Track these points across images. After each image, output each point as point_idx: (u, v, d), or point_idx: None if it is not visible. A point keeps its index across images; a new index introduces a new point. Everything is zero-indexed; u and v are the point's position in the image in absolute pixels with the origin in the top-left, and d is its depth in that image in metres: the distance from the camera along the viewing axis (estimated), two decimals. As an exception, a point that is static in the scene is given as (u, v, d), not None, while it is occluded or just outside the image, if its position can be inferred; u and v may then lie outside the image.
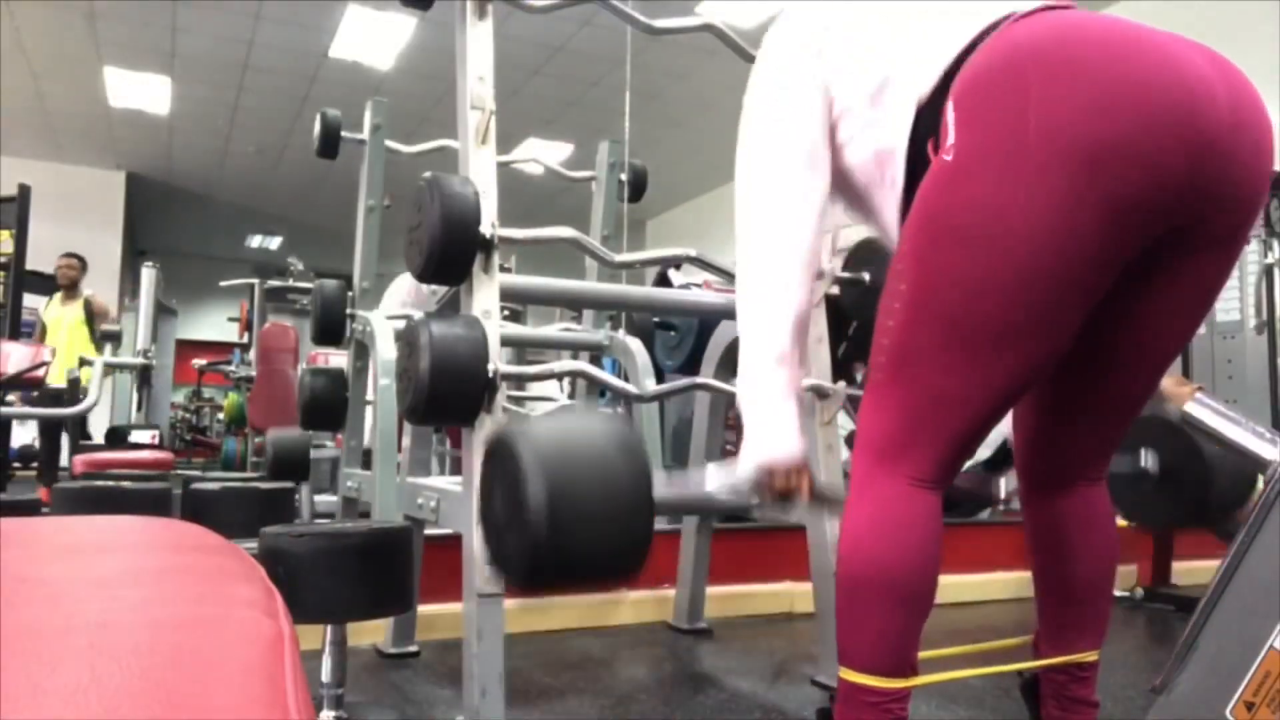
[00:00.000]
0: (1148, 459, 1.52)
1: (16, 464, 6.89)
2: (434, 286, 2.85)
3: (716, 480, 1.29)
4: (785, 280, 1.14)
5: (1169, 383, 3.43)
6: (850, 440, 4.54)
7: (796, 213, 1.14)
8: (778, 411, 1.15)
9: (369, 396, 2.65)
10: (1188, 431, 1.48)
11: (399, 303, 3.89)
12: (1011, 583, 3.04)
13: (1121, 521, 3.16)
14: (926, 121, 1.06)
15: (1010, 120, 0.95)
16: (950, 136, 0.99)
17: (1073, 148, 0.92)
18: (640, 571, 1.27)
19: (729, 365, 2.22)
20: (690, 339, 3.67)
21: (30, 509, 2.11)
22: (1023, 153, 0.94)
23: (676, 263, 1.90)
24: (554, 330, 3.24)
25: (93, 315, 4.82)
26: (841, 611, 1.12)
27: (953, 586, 2.92)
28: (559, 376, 3.43)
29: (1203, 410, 1.24)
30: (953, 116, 0.99)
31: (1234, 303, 4.64)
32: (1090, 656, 1.22)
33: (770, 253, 1.15)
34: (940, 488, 1.10)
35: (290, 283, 7.17)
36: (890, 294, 1.09)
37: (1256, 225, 4.17)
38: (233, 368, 7.84)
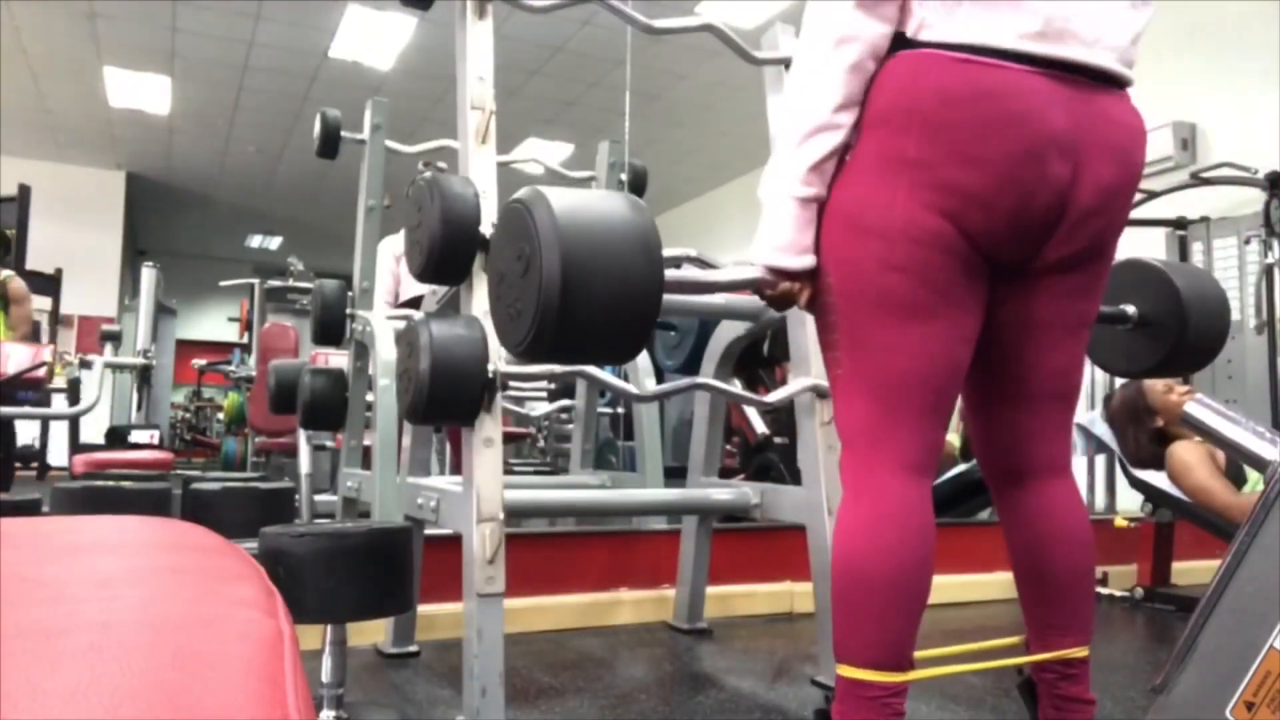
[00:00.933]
0: (1127, 306, 1.54)
1: (17, 464, 6.89)
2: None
3: (727, 273, 1.31)
4: (828, 106, 1.15)
5: (1158, 391, 3.42)
6: None
7: (849, 47, 1.15)
8: (795, 219, 1.17)
9: (369, 396, 2.65)
10: (1167, 275, 1.50)
11: (394, 258, 3.81)
12: (1011, 583, 3.03)
13: (1122, 522, 3.18)
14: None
15: (898, 149, 1.11)
16: (855, 136, 1.15)
17: (934, 184, 1.09)
18: (638, 353, 1.31)
19: (729, 365, 2.22)
20: (690, 339, 3.67)
21: (30, 509, 2.11)
22: (896, 172, 1.11)
23: (676, 263, 1.89)
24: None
25: (7, 299, 4.70)
26: (838, 607, 1.15)
27: (953, 586, 2.92)
28: (559, 376, 3.43)
29: (1202, 411, 1.24)
30: (865, 118, 1.14)
31: (1234, 303, 4.64)
32: (1078, 653, 1.22)
33: (819, 82, 1.16)
34: (928, 473, 1.15)
35: (290, 283, 7.17)
36: (822, 288, 1.18)
37: (1257, 226, 4.16)
38: (233, 368, 7.84)
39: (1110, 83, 1.15)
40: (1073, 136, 1.11)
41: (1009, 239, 1.13)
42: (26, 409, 5.36)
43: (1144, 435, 3.04)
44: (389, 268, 3.75)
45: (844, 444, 1.19)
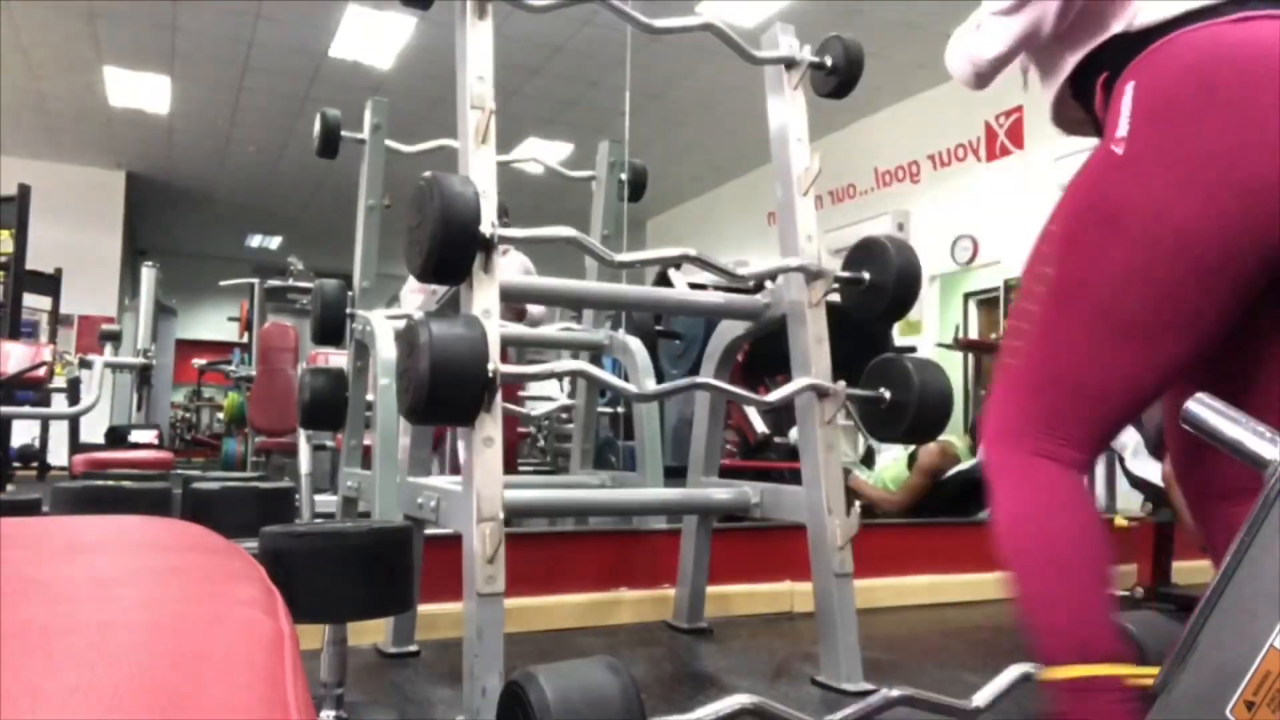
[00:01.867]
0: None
1: (17, 464, 6.89)
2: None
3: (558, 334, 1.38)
4: None
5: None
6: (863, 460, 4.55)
7: None
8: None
9: (369, 396, 2.65)
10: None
11: (414, 297, 3.87)
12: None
13: (1122, 521, 3.18)
14: (1109, 57, 1.08)
15: (1192, 133, 0.98)
16: (1122, 127, 1.02)
17: (1245, 179, 0.96)
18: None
19: (729, 365, 2.22)
20: (695, 348, 3.67)
21: (30, 509, 2.11)
22: (1197, 167, 0.98)
23: (676, 263, 1.90)
24: (554, 330, 3.24)
25: None
26: (1027, 608, 1.08)
27: (952, 586, 2.92)
28: (559, 376, 3.43)
29: (1203, 410, 1.24)
30: (1129, 107, 1.02)
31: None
32: None
33: None
34: (1084, 470, 1.10)
35: (290, 283, 7.17)
36: (1034, 277, 1.10)
37: None
38: (233, 368, 7.84)
39: None
40: None
41: None
42: (26, 409, 5.36)
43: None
44: (414, 294, 3.83)
45: (996, 431, 1.12)
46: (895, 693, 1.35)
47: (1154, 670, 1.08)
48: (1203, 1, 1.01)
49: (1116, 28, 1.09)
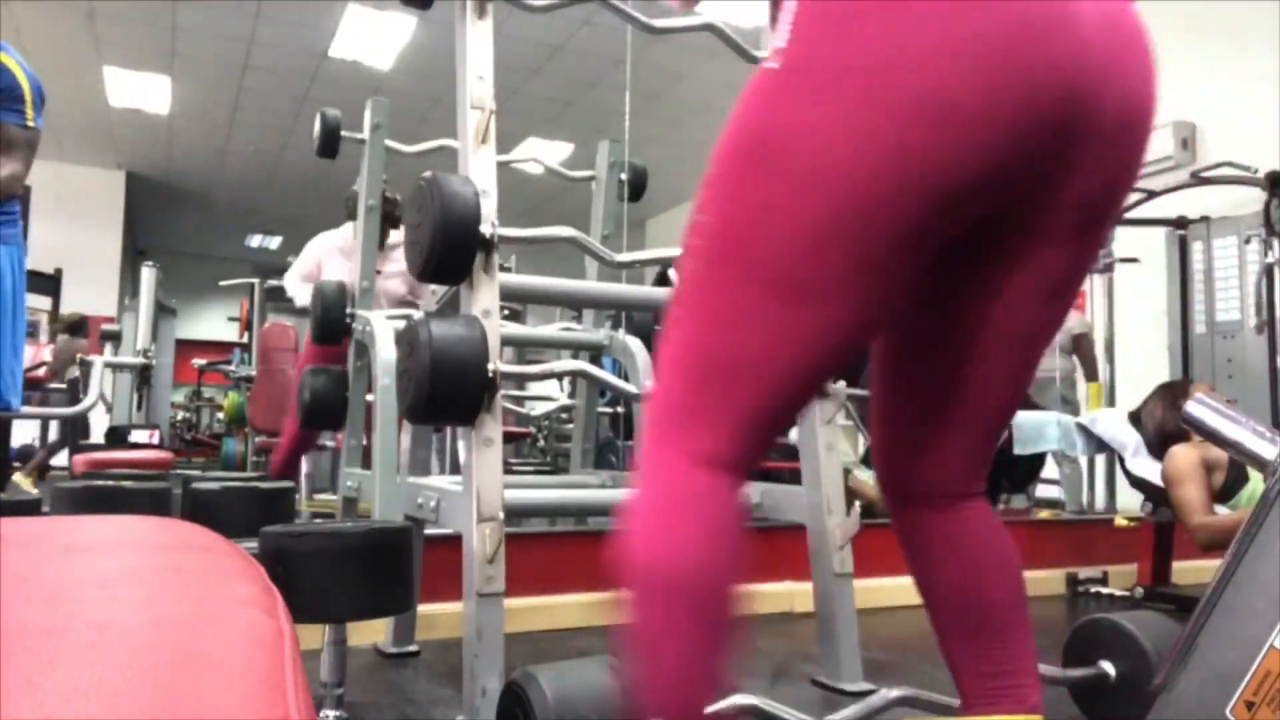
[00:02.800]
0: None
1: (16, 464, 6.89)
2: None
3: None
4: None
5: (1202, 387, 3.48)
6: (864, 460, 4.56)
7: None
8: None
9: (369, 396, 2.65)
10: None
11: (315, 261, 3.85)
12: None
13: (1122, 521, 3.18)
14: None
15: (851, 47, 0.78)
16: (780, 35, 0.83)
17: (903, 96, 0.76)
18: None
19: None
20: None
21: (30, 509, 2.11)
22: (849, 87, 0.78)
23: (677, 262, 1.89)
24: (554, 330, 3.24)
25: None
26: (641, 643, 0.87)
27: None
28: (559, 376, 3.43)
29: (1203, 410, 1.24)
30: (794, 9, 0.82)
31: (1234, 302, 4.64)
32: None
33: None
34: (736, 473, 0.86)
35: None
36: (692, 227, 0.88)
37: (1257, 226, 4.15)
38: (233, 368, 7.84)
39: None
40: (1096, 19, 0.80)
41: (998, 170, 0.79)
42: (26, 409, 5.36)
43: (1173, 415, 3.05)
44: (315, 257, 3.82)
45: (647, 413, 0.91)
46: (895, 693, 1.35)
47: None
48: None
49: None
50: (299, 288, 3.97)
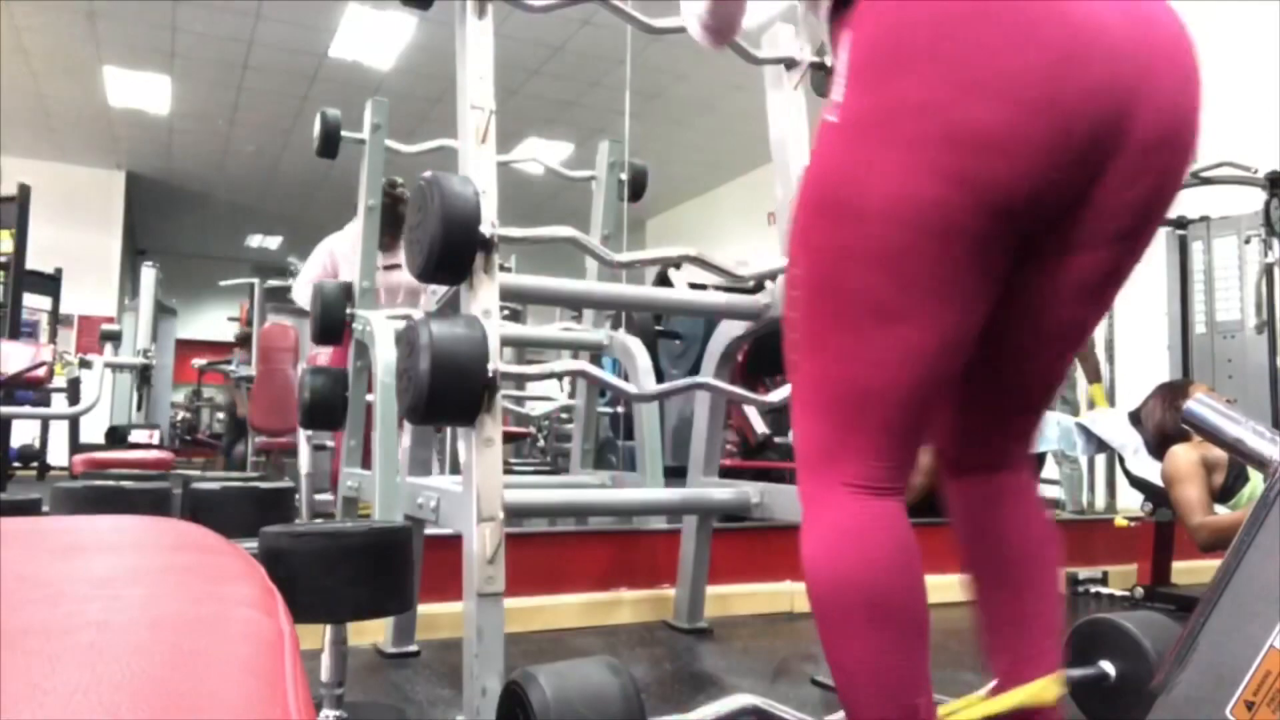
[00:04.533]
0: None
1: (16, 464, 6.89)
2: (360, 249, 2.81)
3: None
4: None
5: (1202, 388, 3.55)
6: None
7: None
8: None
9: (369, 396, 2.65)
10: None
11: (322, 265, 3.81)
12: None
13: (1122, 521, 3.18)
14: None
15: (901, 86, 0.87)
16: (838, 90, 0.92)
17: (948, 131, 0.85)
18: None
19: (729, 365, 2.22)
20: (696, 347, 3.66)
21: (30, 509, 2.11)
22: (900, 128, 0.87)
23: (676, 263, 1.90)
24: (554, 330, 3.24)
25: None
26: (832, 651, 0.95)
27: (952, 586, 2.91)
28: (559, 376, 3.43)
29: (1203, 409, 1.24)
30: (845, 64, 0.91)
31: (1234, 303, 4.64)
32: (1048, 693, 1.07)
33: None
34: (892, 492, 0.96)
35: (290, 282, 7.17)
36: (789, 280, 0.99)
37: (1257, 226, 4.16)
38: (233, 368, 7.84)
39: None
40: (1126, 34, 0.86)
41: (1041, 189, 0.87)
42: (26, 409, 5.36)
43: (1173, 415, 3.06)
44: (322, 261, 3.78)
45: (798, 462, 1.00)
46: None
47: None
48: None
49: None
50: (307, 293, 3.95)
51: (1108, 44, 0.85)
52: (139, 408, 7.10)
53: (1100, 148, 0.87)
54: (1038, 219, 0.91)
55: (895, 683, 0.93)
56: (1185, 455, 2.83)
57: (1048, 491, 4.47)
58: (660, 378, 3.01)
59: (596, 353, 2.84)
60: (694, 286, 2.91)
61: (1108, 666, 1.56)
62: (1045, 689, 1.06)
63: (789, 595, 2.71)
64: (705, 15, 1.27)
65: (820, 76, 2.07)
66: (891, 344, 0.92)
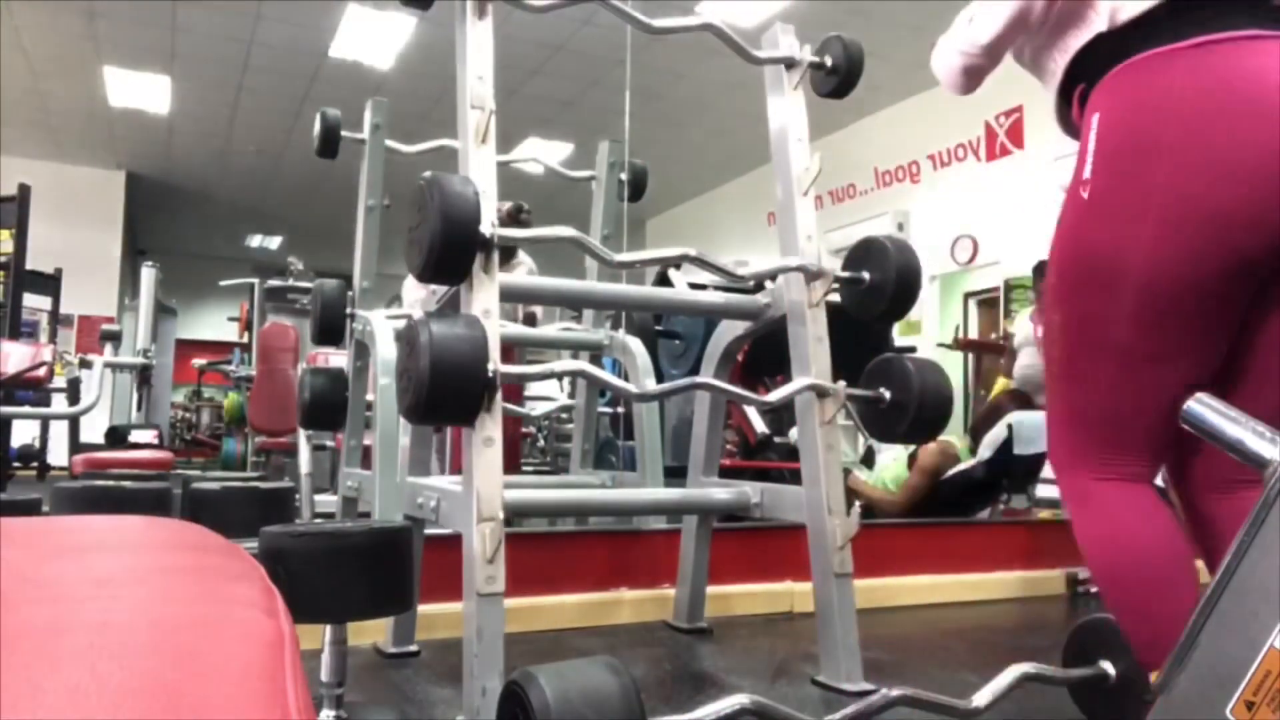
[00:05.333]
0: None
1: (16, 464, 6.89)
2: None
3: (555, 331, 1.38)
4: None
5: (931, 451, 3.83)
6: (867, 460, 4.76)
7: None
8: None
9: (369, 396, 2.65)
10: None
11: (416, 293, 3.87)
12: (1011, 582, 3.04)
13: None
14: (1090, 64, 1.14)
15: (1148, 171, 1.05)
16: (1087, 168, 1.11)
17: (1196, 211, 1.04)
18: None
19: (729, 365, 2.22)
20: (695, 348, 3.65)
21: (30, 509, 2.11)
22: (1150, 208, 1.05)
23: (676, 262, 1.90)
24: (554, 330, 3.24)
25: None
26: (1125, 616, 1.16)
27: (952, 586, 2.92)
28: (559, 376, 3.43)
29: (1203, 409, 1.24)
30: (1094, 144, 1.10)
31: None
32: None
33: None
34: (1149, 479, 1.19)
35: (290, 283, 7.17)
36: (1048, 322, 1.23)
37: None
38: (233, 368, 7.84)
39: None
40: None
41: (1265, 252, 1.05)
42: (26, 409, 5.36)
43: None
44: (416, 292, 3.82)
45: (1061, 462, 1.22)
46: (895, 692, 1.35)
47: None
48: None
49: (1099, 25, 1.12)
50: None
51: None
52: (139, 408, 7.09)
53: None
54: (1273, 270, 1.08)
55: (1170, 614, 1.09)
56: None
57: (1049, 491, 4.46)
58: (660, 378, 3.01)
59: (596, 353, 2.84)
60: (694, 286, 2.90)
61: (1107, 666, 1.56)
62: None
63: (789, 595, 2.71)
64: (978, 52, 1.27)
65: (820, 76, 2.07)
66: (1143, 381, 1.13)
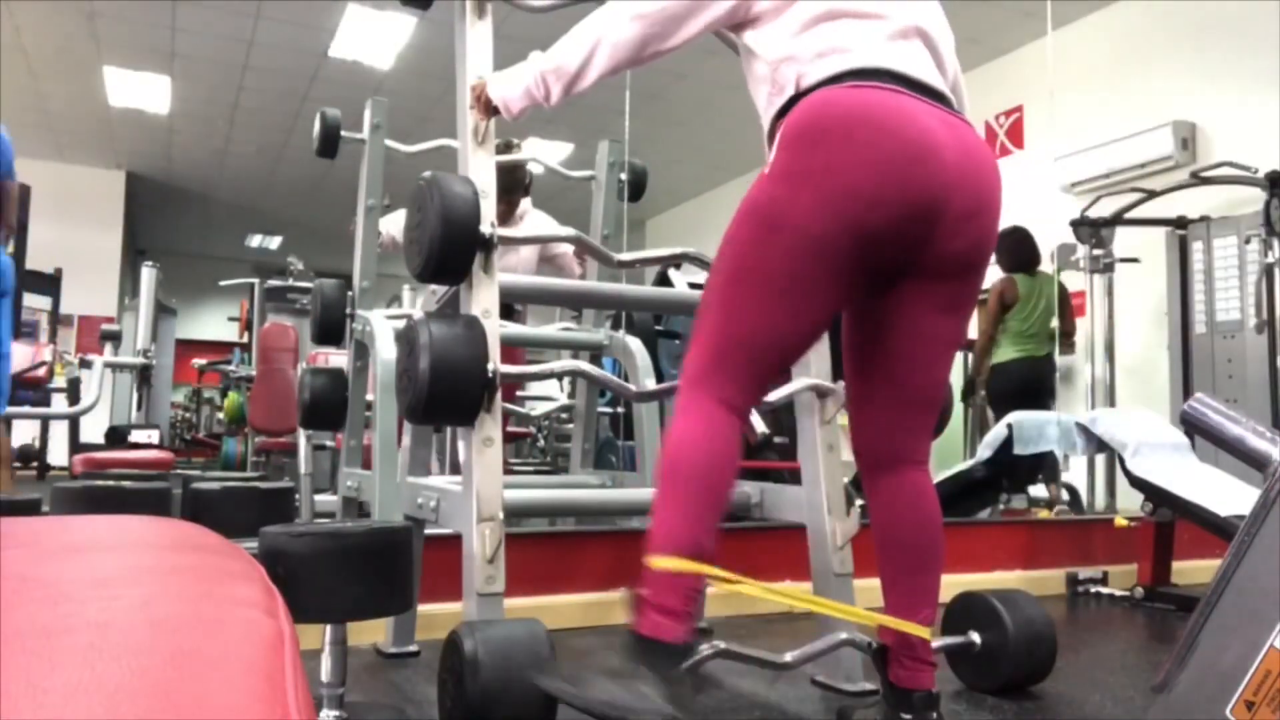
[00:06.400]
0: (974, 635, 1.96)
1: (17, 464, 6.89)
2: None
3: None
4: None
5: None
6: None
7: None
8: (515, 81, 1.67)
9: (369, 396, 2.64)
10: (1000, 611, 1.88)
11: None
12: (1011, 582, 3.04)
13: (1122, 521, 3.17)
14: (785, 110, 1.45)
15: (806, 158, 1.37)
16: (771, 155, 1.43)
17: (839, 188, 1.34)
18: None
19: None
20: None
21: (30, 509, 2.11)
22: (812, 181, 1.36)
23: (676, 262, 1.90)
24: (554, 330, 3.24)
25: None
26: (655, 509, 1.39)
27: (951, 586, 2.91)
28: (559, 376, 3.43)
29: (1203, 409, 1.24)
30: (779, 142, 1.40)
31: (1234, 303, 4.64)
32: (921, 632, 1.48)
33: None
34: (741, 412, 1.42)
35: (290, 283, 7.17)
36: (714, 268, 1.46)
37: (1257, 226, 4.14)
38: (233, 368, 7.84)
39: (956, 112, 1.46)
40: (952, 146, 1.36)
41: (895, 232, 1.35)
42: (26, 409, 5.36)
43: None
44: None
45: (682, 375, 1.44)
46: (841, 635, 1.66)
47: (726, 574, 1.46)
48: (837, 69, 1.40)
49: (790, 91, 1.46)
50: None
51: (939, 151, 1.35)
52: (139, 408, 7.09)
53: (932, 211, 1.35)
54: (897, 249, 1.38)
55: (698, 528, 1.38)
56: None
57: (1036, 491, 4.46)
58: (660, 378, 3.01)
59: (596, 353, 2.84)
60: (694, 286, 2.91)
61: (975, 636, 1.85)
62: (919, 630, 1.48)
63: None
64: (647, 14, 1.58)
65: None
66: (776, 309, 1.39)
